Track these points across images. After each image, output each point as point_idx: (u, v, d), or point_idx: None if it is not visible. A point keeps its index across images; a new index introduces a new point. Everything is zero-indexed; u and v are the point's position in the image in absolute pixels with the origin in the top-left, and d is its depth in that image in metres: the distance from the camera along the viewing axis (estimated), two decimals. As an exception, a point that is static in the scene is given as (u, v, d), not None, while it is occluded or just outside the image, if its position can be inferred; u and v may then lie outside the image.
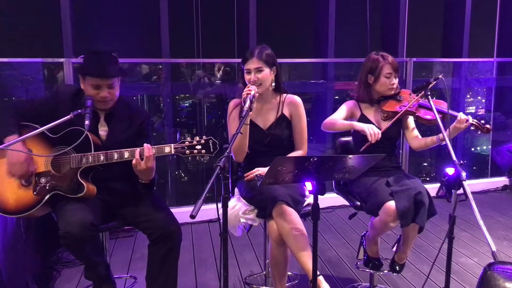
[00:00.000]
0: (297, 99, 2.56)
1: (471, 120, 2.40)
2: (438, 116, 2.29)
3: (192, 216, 1.56)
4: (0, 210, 2.14)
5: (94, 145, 2.13)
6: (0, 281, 2.24)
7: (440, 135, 2.40)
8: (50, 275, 2.98)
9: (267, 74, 2.41)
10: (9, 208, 2.13)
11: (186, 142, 2.06)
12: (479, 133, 2.45)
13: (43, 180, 2.14)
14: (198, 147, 2.04)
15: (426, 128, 2.62)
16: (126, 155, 2.09)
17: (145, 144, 2.07)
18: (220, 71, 4.89)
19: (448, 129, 2.32)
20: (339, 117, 2.60)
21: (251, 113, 2.15)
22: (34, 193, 2.13)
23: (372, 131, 2.39)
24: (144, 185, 2.19)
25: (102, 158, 2.11)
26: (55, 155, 2.14)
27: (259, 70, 2.39)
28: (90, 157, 2.11)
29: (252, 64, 2.39)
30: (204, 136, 2.07)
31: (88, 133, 2.08)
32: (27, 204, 2.12)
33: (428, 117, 2.46)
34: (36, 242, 2.77)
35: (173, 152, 2.06)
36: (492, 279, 1.23)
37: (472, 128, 2.44)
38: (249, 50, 2.46)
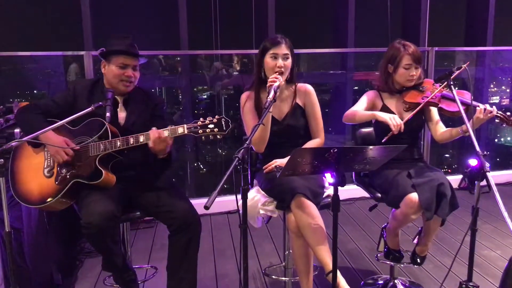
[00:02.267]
0: (309, 87, 2.54)
1: (495, 111, 2.33)
2: (461, 108, 2.21)
3: (206, 207, 1.55)
4: (25, 201, 2.20)
5: (111, 133, 2.18)
6: (25, 270, 2.29)
7: (463, 127, 2.34)
8: (74, 265, 3.05)
9: (291, 63, 2.40)
10: (34, 199, 2.19)
11: (198, 122, 2.07)
12: (504, 125, 2.38)
13: (64, 170, 2.19)
14: (211, 126, 2.04)
15: (448, 118, 2.56)
16: (141, 138, 2.13)
17: (153, 128, 2.10)
18: (239, 63, 4.88)
19: (471, 120, 2.26)
20: (360, 108, 2.56)
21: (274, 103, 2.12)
22: (56, 182, 2.18)
23: (395, 122, 2.34)
24: (162, 159, 2.22)
25: (118, 143, 2.15)
26: (83, 145, 2.19)
27: (286, 57, 2.37)
28: (107, 144, 2.16)
29: (281, 49, 2.36)
30: (216, 116, 2.07)
31: (105, 122, 2.15)
32: (50, 194, 2.16)
33: (451, 109, 2.40)
34: (59, 233, 2.83)
35: (186, 132, 2.07)
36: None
37: (497, 120, 2.37)
38: (271, 38, 2.42)
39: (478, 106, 2.33)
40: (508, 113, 2.37)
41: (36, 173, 2.22)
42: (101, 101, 2.16)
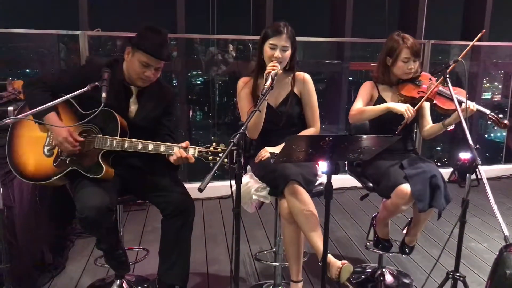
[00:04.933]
0: (307, 76, 2.53)
1: (475, 108, 2.32)
2: (458, 106, 2.19)
3: (200, 190, 1.57)
4: (18, 173, 2.17)
5: (121, 129, 2.13)
6: (16, 248, 2.29)
7: (445, 121, 2.42)
8: (65, 244, 3.05)
9: (289, 54, 2.38)
10: (27, 173, 2.16)
11: (211, 148, 2.06)
12: (495, 128, 2.42)
13: (65, 154, 2.15)
14: (221, 155, 1.99)
15: (439, 114, 2.57)
16: (150, 147, 2.10)
17: (179, 150, 2.07)
18: (234, 49, 4.85)
19: (453, 114, 2.29)
20: (363, 105, 2.55)
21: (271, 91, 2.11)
22: (54, 164, 2.15)
23: (410, 113, 2.34)
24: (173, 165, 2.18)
25: (126, 145, 2.11)
26: (75, 125, 2.13)
27: (284, 49, 2.34)
28: (114, 142, 2.11)
29: (280, 41, 2.32)
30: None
31: (117, 117, 2.11)
32: (45, 174, 2.14)
33: (445, 106, 2.41)
34: (51, 212, 2.82)
35: (196, 155, 2.07)
36: (508, 260, 1.23)
37: (489, 122, 2.39)
38: (275, 25, 2.37)
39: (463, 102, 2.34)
40: (501, 116, 2.40)
41: (35, 148, 2.18)
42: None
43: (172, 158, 2.10)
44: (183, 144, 2.08)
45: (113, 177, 2.17)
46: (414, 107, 2.40)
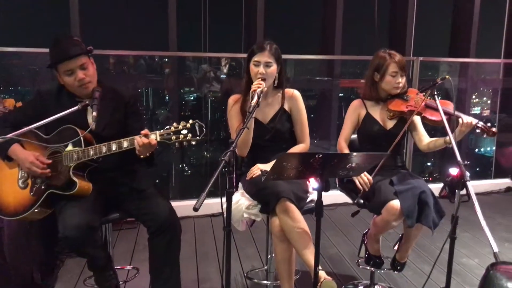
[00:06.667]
0: (296, 92, 2.57)
1: (475, 121, 2.38)
2: (444, 118, 2.25)
3: (195, 209, 1.57)
4: (3, 214, 2.19)
5: (85, 141, 2.13)
6: (5, 269, 2.26)
7: (447, 138, 2.38)
8: (54, 264, 3.01)
9: (274, 70, 2.41)
10: (10, 210, 2.18)
11: (172, 128, 2.00)
12: (485, 136, 2.44)
13: (38, 180, 2.16)
14: (184, 132, 1.97)
15: (431, 127, 2.61)
16: (114, 147, 2.08)
17: (140, 137, 2.01)
18: (227, 66, 4.89)
19: (454, 133, 2.31)
20: (347, 135, 2.66)
21: (258, 108, 2.15)
22: (31, 193, 2.16)
23: (362, 181, 2.42)
24: (146, 158, 2.13)
25: (91, 152, 2.10)
26: (49, 146, 2.16)
27: (268, 64, 2.38)
28: (80, 153, 2.11)
29: (263, 57, 2.38)
30: (190, 120, 1.99)
31: (78, 130, 2.11)
32: (25, 205, 2.14)
33: (434, 118, 2.45)
34: (40, 233, 2.79)
35: (159, 139, 2.00)
36: (494, 278, 1.24)
37: (478, 131, 2.42)
38: (259, 43, 2.44)
39: (460, 118, 2.38)
40: (489, 124, 2.43)
41: (11, 185, 2.20)
42: (69, 105, 2.10)
43: (137, 150, 2.03)
44: (143, 132, 2.01)
45: (95, 195, 2.17)
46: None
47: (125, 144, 2.07)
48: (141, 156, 2.08)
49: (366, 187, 2.41)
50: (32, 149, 2.20)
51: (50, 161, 2.14)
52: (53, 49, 2.17)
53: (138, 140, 2.00)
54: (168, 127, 2.01)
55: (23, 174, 2.20)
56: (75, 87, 2.18)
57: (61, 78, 2.19)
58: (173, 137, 1.99)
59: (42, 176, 2.14)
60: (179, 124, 2.00)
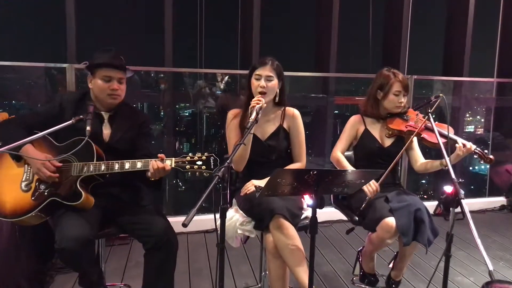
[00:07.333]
0: (296, 112, 2.58)
1: (473, 148, 2.39)
2: (441, 141, 2.26)
3: (184, 225, 1.55)
4: None
5: (96, 155, 2.14)
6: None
7: (443, 161, 2.38)
8: (44, 280, 2.96)
9: (275, 84, 2.42)
10: (5, 211, 2.13)
11: (187, 157, 2.07)
12: (481, 162, 2.46)
13: (42, 186, 2.14)
14: (199, 163, 2.05)
15: (425, 147, 2.62)
16: (127, 165, 2.10)
17: (155, 161, 2.07)
18: (223, 82, 4.91)
19: (450, 156, 2.32)
20: (343, 148, 2.67)
21: (256, 124, 2.14)
22: (32, 198, 2.12)
23: (371, 188, 2.43)
24: (153, 181, 2.17)
25: (103, 167, 2.11)
26: (53, 159, 2.13)
27: (269, 78, 2.40)
28: (91, 166, 2.11)
29: (265, 71, 2.40)
30: (206, 153, 2.07)
31: (92, 143, 2.11)
32: (24, 209, 2.11)
33: (432, 140, 2.46)
34: (31, 248, 2.75)
35: (173, 166, 2.08)
36: (489, 298, 1.22)
37: (475, 156, 2.44)
38: (261, 58, 2.47)
39: (457, 143, 2.39)
40: (486, 151, 2.45)
41: (13, 186, 2.16)
42: (83, 115, 2.12)
43: (149, 172, 2.08)
44: (160, 156, 2.08)
45: (94, 208, 2.15)
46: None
47: (139, 164, 2.10)
48: (152, 179, 2.11)
49: (374, 195, 2.40)
50: (44, 153, 2.19)
51: (60, 164, 2.13)
52: (102, 53, 2.27)
53: (154, 163, 2.06)
54: (184, 155, 2.08)
55: (27, 177, 2.17)
56: (104, 94, 2.24)
57: (94, 81, 2.26)
58: (188, 166, 2.07)
59: (49, 180, 2.11)
60: (194, 154, 2.07)
